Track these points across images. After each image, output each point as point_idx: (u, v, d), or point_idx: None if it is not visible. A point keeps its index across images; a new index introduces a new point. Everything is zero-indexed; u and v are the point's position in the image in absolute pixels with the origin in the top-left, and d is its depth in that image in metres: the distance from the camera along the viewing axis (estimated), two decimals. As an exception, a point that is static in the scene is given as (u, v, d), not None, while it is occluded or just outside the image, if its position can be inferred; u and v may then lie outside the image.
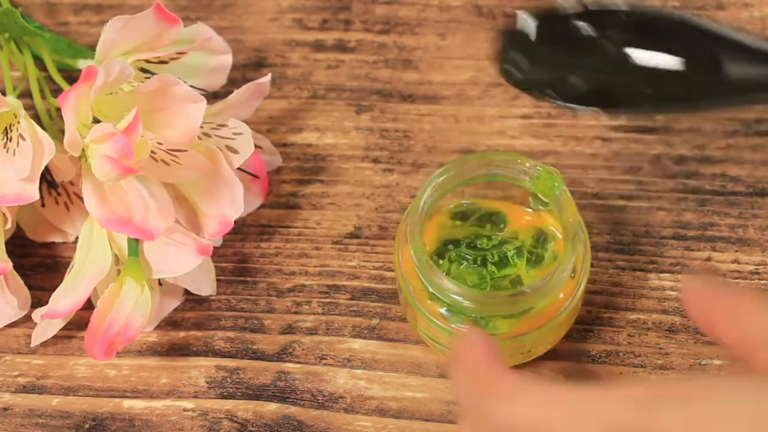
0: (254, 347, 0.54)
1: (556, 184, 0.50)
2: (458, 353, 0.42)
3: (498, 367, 0.41)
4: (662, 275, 0.55)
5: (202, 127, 0.52)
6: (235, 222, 0.53)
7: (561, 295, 0.50)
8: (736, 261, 0.55)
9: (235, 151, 0.53)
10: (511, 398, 0.39)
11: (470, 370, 0.41)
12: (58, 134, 0.53)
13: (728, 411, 0.36)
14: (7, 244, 0.54)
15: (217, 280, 0.55)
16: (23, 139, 0.51)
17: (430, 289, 0.49)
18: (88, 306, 0.52)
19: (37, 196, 0.51)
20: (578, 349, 0.53)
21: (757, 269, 0.55)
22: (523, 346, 0.51)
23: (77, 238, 0.54)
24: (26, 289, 0.54)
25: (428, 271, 0.49)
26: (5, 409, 0.53)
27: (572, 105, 0.46)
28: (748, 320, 0.41)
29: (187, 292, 0.54)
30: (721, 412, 0.36)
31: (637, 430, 0.36)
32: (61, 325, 0.53)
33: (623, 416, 0.36)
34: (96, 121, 0.51)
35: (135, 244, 0.52)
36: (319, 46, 0.62)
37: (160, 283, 0.54)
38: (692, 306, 0.43)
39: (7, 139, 0.51)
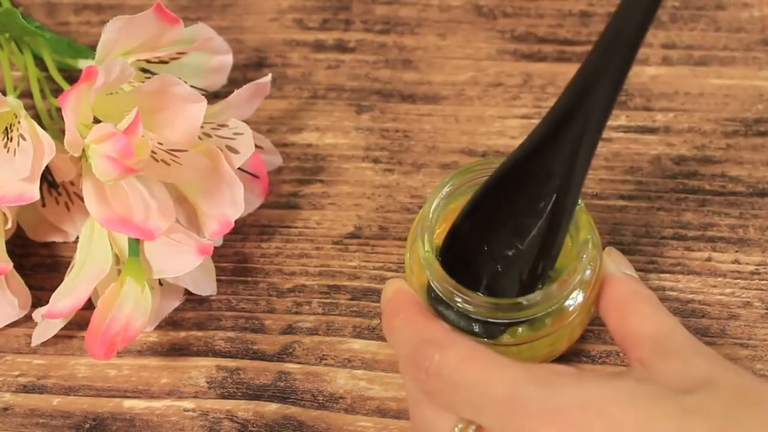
0: (255, 347, 0.54)
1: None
2: (391, 304, 0.48)
3: (429, 316, 0.47)
4: (662, 275, 0.55)
5: (202, 127, 0.52)
6: (235, 222, 0.53)
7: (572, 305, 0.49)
8: (736, 261, 0.55)
9: (235, 151, 0.53)
10: (442, 347, 0.44)
11: (407, 319, 0.47)
12: (58, 134, 0.53)
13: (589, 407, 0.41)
14: (8, 243, 0.54)
15: (218, 280, 0.55)
16: (24, 139, 0.51)
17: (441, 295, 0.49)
18: (89, 306, 0.52)
19: (38, 196, 0.51)
20: (578, 350, 0.53)
21: (758, 269, 0.55)
22: (538, 351, 0.51)
23: (78, 238, 0.54)
24: (27, 288, 0.54)
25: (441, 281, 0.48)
26: (6, 408, 0.53)
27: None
28: (635, 320, 0.46)
29: (187, 292, 0.54)
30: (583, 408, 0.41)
31: (535, 402, 0.42)
32: (62, 325, 0.53)
33: (526, 389, 0.42)
34: (96, 121, 0.51)
35: (135, 244, 0.52)
36: (319, 46, 0.62)
37: (160, 283, 0.54)
38: (601, 297, 0.48)
39: (8, 139, 0.51)
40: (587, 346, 0.53)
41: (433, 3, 0.63)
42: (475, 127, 0.59)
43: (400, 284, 0.49)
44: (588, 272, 0.49)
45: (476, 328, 0.49)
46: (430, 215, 0.49)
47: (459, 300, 0.48)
